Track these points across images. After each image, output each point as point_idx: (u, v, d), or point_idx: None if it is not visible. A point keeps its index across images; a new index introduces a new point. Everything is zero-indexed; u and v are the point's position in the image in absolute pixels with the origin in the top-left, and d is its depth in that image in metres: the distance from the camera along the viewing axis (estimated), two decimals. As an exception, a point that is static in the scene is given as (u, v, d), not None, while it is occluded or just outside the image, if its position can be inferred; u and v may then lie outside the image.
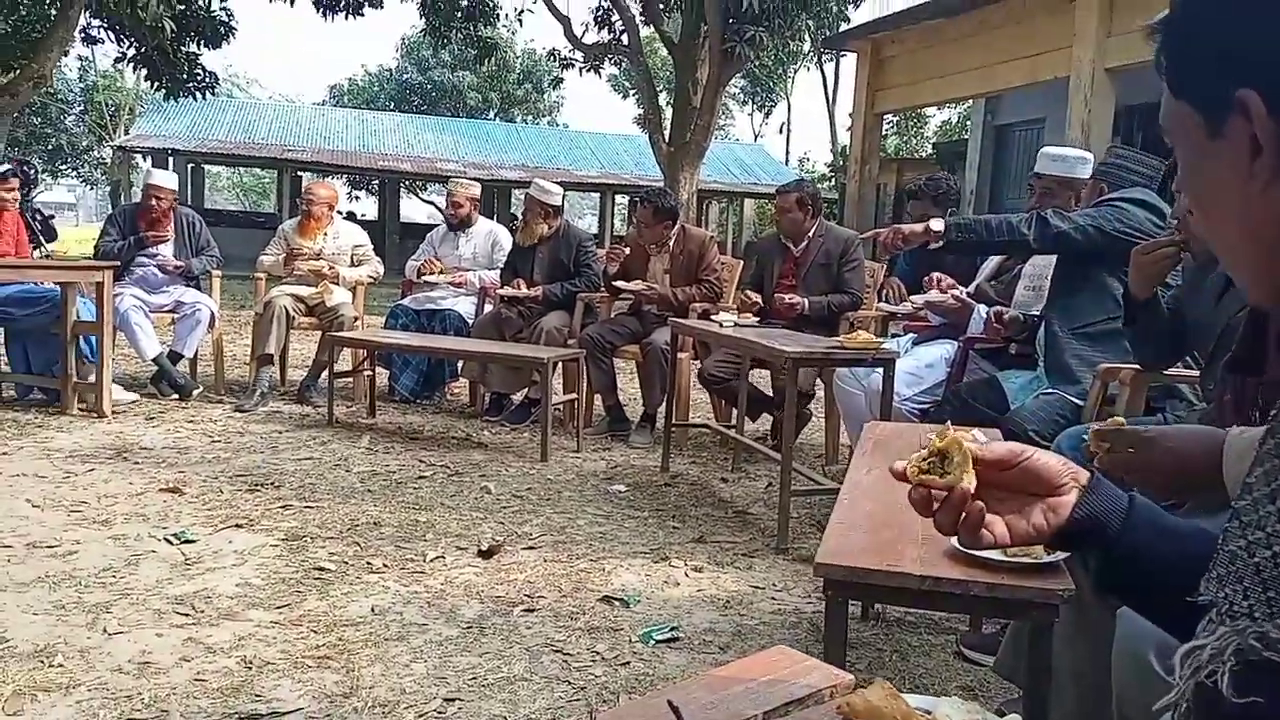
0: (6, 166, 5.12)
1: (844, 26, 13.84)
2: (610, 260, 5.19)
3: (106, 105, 29.56)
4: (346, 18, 13.81)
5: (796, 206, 4.72)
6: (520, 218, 5.93)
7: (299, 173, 20.12)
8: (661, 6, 14.28)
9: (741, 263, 5.39)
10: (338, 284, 5.59)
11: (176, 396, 5.32)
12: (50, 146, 30.99)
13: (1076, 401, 2.88)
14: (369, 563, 2.96)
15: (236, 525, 3.27)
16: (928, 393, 3.62)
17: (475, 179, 8.65)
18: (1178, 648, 0.58)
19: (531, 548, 3.18)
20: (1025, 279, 3.45)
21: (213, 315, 5.49)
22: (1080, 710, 1.62)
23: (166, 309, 5.45)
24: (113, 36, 13.00)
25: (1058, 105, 9.18)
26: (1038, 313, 3.24)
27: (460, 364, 5.57)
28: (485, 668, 2.29)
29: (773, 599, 2.83)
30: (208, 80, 13.71)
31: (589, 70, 15.62)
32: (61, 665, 2.20)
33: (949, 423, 1.06)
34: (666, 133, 13.89)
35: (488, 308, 5.58)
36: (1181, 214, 2.39)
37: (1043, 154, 3.50)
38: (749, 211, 25.58)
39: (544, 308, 5.27)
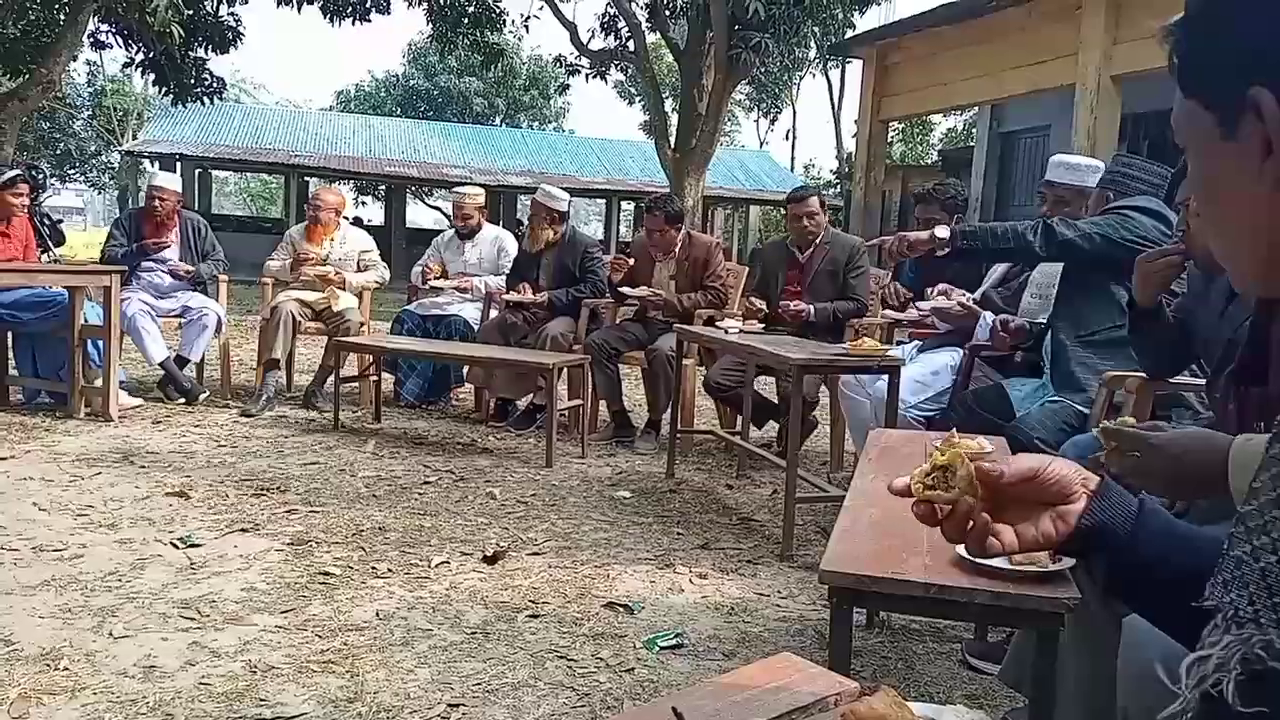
0: (15, 171, 5.14)
1: (849, 33, 13.86)
2: (614, 270, 5.20)
3: (115, 110, 29.70)
4: (353, 23, 13.85)
5: (821, 209, 4.75)
6: (526, 223, 5.94)
7: (306, 178, 20.18)
8: (667, 13, 14.31)
9: (747, 269, 5.40)
10: (344, 289, 5.61)
11: (183, 401, 5.33)
12: (59, 151, 31.20)
13: (1082, 409, 2.88)
14: (374, 568, 2.97)
15: (242, 530, 3.27)
16: (933, 400, 3.61)
17: (481, 185, 8.67)
18: (1183, 657, 0.58)
19: (536, 554, 3.18)
20: (1032, 286, 3.44)
21: (219, 320, 5.51)
22: None
23: (173, 314, 5.48)
24: (121, 42, 13.05)
25: (1063, 113, 9.19)
26: (1044, 320, 3.23)
27: (466, 369, 5.58)
28: (490, 674, 2.29)
29: (777, 606, 2.83)
30: (215, 85, 13.75)
31: (595, 76, 15.66)
32: (67, 669, 2.20)
33: (954, 430, 1.06)
34: (672, 139, 13.90)
35: (493, 313, 5.58)
36: (1186, 224, 2.38)
37: (1055, 162, 3.47)
38: (754, 218, 25.61)
39: (549, 313, 5.28)
